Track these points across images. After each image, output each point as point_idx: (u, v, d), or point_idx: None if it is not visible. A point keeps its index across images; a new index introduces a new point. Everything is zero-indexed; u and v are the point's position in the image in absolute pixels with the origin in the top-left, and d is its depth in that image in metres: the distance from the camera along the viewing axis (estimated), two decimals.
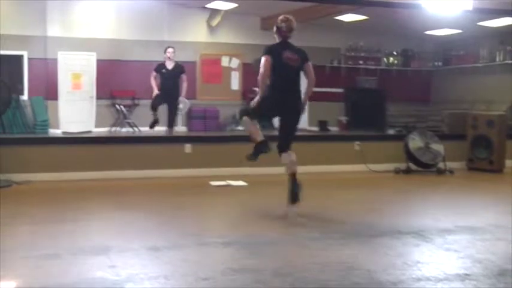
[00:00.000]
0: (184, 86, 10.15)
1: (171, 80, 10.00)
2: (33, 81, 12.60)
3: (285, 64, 5.65)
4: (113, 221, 5.59)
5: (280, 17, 5.86)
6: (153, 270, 3.78)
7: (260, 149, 5.70)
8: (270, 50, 5.66)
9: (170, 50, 10.15)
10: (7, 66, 12.08)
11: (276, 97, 5.64)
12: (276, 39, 5.85)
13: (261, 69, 5.57)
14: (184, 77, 10.14)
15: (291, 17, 5.87)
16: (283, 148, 5.70)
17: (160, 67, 10.12)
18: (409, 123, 13.32)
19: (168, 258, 4.09)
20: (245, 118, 5.73)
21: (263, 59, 5.59)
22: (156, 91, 9.92)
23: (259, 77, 5.61)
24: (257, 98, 5.65)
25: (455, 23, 12.33)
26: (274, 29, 5.86)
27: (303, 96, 5.85)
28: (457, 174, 9.22)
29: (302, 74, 5.82)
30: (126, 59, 13.25)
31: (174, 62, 10.13)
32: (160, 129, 10.36)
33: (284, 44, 5.80)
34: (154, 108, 9.92)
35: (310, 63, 5.80)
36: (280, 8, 12.54)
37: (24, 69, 12.58)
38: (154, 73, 10.07)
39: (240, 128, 14.02)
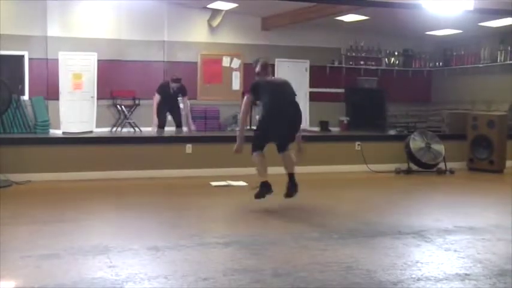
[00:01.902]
0: (186, 106, 10.17)
1: (174, 98, 10.00)
2: (34, 81, 12.60)
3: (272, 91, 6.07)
4: (113, 221, 5.59)
5: (259, 65, 6.29)
6: (153, 270, 3.79)
7: (265, 190, 5.97)
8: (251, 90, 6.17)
9: (174, 85, 9.94)
10: (8, 66, 12.09)
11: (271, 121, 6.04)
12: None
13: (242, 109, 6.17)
14: (186, 101, 10.17)
15: (267, 63, 6.43)
16: (281, 150, 6.05)
17: (163, 89, 9.99)
18: (409, 123, 13.32)
19: (168, 258, 4.09)
20: (253, 156, 6.04)
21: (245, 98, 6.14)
22: (156, 119, 9.85)
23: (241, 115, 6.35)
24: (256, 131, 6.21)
25: (456, 23, 12.32)
26: (256, 70, 6.33)
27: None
28: (457, 174, 9.21)
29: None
30: (126, 59, 13.25)
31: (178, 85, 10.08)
32: (170, 129, 10.35)
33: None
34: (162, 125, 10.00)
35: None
36: (280, 8, 12.58)
37: (24, 70, 12.58)
38: (157, 96, 9.92)
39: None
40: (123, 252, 4.20)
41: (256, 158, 6.00)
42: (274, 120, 5.91)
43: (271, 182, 5.94)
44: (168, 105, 9.94)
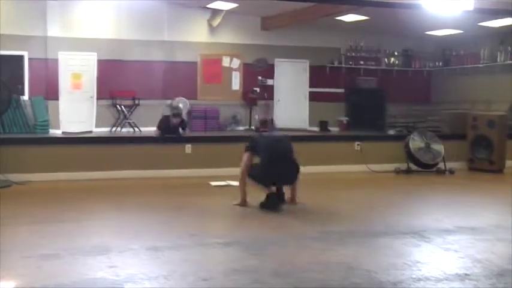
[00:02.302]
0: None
1: (175, 130, 10.07)
2: (34, 81, 12.60)
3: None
4: (113, 221, 5.59)
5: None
6: (152, 270, 3.79)
7: (271, 202, 5.98)
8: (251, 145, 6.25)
9: (176, 120, 10.11)
10: (8, 66, 12.09)
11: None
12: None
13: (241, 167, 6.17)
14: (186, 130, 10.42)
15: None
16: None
17: (164, 123, 10.12)
18: (409, 123, 13.33)
19: (168, 258, 4.09)
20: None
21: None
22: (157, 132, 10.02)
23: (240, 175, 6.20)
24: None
25: (455, 23, 12.32)
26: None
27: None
28: (457, 174, 9.21)
29: None
30: (126, 59, 13.25)
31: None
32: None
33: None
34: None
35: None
36: (280, 8, 12.58)
37: (24, 70, 12.58)
38: (157, 132, 10.03)
39: (241, 128, 14.09)
40: (123, 252, 4.20)
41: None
42: (271, 175, 5.97)
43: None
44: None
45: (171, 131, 9.91)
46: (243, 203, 6.08)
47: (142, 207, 6.27)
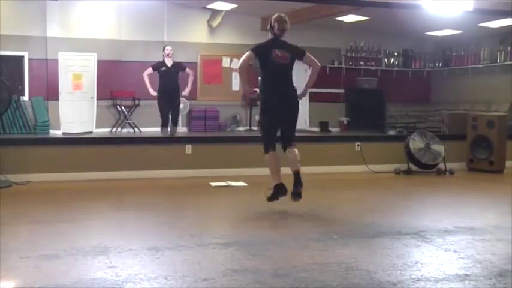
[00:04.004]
0: (190, 80, 10.23)
1: (172, 80, 10.07)
2: (34, 81, 12.61)
3: (273, 62, 5.75)
4: (113, 222, 5.59)
5: (275, 16, 5.92)
6: (152, 270, 3.78)
7: (278, 192, 5.83)
8: (255, 48, 5.80)
9: (169, 47, 10.21)
10: (8, 66, 12.12)
11: (271, 100, 5.78)
12: (269, 35, 5.88)
13: (239, 63, 5.73)
14: (187, 71, 10.27)
15: (285, 18, 5.92)
16: (286, 143, 5.85)
17: (159, 65, 10.17)
18: (409, 123, 13.33)
19: (167, 258, 4.09)
20: (266, 157, 5.89)
21: (245, 54, 5.71)
22: (151, 90, 9.99)
23: (237, 70, 5.85)
24: (259, 117, 5.99)
25: (455, 23, 12.34)
26: (268, 25, 5.89)
27: (303, 86, 6.05)
28: (457, 174, 9.21)
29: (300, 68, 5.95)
30: (126, 59, 13.26)
31: (172, 60, 10.18)
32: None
33: (274, 42, 5.89)
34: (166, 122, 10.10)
35: (308, 55, 5.86)
36: (280, 8, 12.54)
37: (24, 70, 12.59)
38: (150, 70, 10.12)
39: (241, 128, 14.11)
40: (123, 253, 4.19)
41: (269, 160, 5.86)
42: (278, 93, 5.81)
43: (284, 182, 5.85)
44: (167, 87, 10.07)
45: (169, 74, 9.97)
46: (247, 92, 5.94)
47: (142, 207, 6.27)
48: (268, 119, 5.88)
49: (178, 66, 10.26)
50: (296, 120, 5.96)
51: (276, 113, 5.83)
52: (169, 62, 10.15)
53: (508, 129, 9.96)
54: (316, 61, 5.92)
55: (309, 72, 6.15)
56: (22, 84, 12.51)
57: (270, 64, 5.73)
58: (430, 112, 14.48)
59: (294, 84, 6.02)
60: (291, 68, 5.89)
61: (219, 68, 14.31)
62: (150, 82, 10.16)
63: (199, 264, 3.96)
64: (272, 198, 5.88)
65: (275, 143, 5.91)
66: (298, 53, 5.93)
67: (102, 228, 5.30)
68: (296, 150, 5.83)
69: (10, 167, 7.57)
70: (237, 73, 14.69)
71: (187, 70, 10.37)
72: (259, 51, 5.76)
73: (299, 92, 6.04)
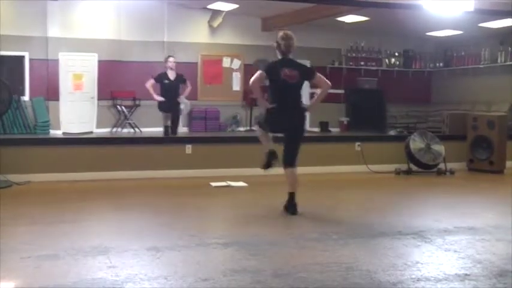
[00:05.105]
0: (187, 90, 10.30)
1: (174, 91, 10.15)
2: (34, 82, 12.60)
3: (283, 81, 5.77)
4: (113, 222, 5.59)
5: (280, 34, 5.93)
6: (152, 270, 3.79)
7: (269, 158, 5.92)
8: (267, 68, 5.88)
9: (171, 59, 10.22)
10: (8, 66, 12.10)
11: (278, 115, 5.80)
12: (278, 55, 5.93)
13: (251, 80, 5.76)
14: (187, 84, 10.36)
15: (290, 34, 5.91)
16: (287, 163, 5.84)
17: (161, 77, 10.19)
18: (409, 124, 13.32)
19: (167, 258, 4.09)
20: (257, 127, 6.07)
21: (257, 72, 5.78)
22: (157, 97, 10.06)
23: (250, 87, 5.89)
24: (262, 111, 5.95)
25: (456, 24, 12.32)
26: (275, 44, 5.92)
27: (313, 100, 6.22)
28: (457, 175, 9.22)
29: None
30: (127, 59, 13.24)
31: (175, 73, 10.22)
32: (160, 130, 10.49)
33: (284, 61, 5.89)
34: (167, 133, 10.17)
35: (318, 75, 5.90)
36: (281, 8, 12.58)
37: (25, 70, 12.57)
38: (152, 81, 10.16)
39: (241, 129, 14.11)
40: (123, 253, 4.20)
41: (260, 137, 6.02)
42: (286, 111, 5.83)
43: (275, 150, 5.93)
44: (168, 98, 10.12)
45: (171, 86, 10.03)
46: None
47: (142, 207, 6.28)
48: (270, 128, 5.95)
49: (180, 79, 10.33)
50: (300, 140, 5.96)
51: (281, 128, 5.91)
52: (172, 75, 10.18)
53: (508, 130, 9.97)
54: (327, 81, 5.92)
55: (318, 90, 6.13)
56: (23, 84, 12.49)
57: (280, 83, 5.76)
58: (430, 112, 14.48)
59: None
60: (300, 87, 5.90)
61: (220, 68, 14.29)
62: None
63: (199, 264, 3.96)
64: (266, 165, 5.93)
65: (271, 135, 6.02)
66: (307, 73, 5.96)
67: (102, 228, 5.31)
68: (296, 173, 5.84)
69: (10, 167, 7.58)
70: (237, 73, 14.94)
71: (188, 83, 10.46)
72: (270, 71, 5.82)
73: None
